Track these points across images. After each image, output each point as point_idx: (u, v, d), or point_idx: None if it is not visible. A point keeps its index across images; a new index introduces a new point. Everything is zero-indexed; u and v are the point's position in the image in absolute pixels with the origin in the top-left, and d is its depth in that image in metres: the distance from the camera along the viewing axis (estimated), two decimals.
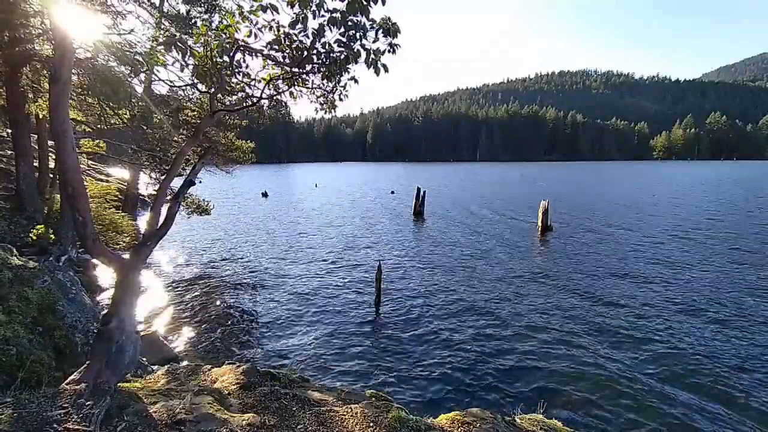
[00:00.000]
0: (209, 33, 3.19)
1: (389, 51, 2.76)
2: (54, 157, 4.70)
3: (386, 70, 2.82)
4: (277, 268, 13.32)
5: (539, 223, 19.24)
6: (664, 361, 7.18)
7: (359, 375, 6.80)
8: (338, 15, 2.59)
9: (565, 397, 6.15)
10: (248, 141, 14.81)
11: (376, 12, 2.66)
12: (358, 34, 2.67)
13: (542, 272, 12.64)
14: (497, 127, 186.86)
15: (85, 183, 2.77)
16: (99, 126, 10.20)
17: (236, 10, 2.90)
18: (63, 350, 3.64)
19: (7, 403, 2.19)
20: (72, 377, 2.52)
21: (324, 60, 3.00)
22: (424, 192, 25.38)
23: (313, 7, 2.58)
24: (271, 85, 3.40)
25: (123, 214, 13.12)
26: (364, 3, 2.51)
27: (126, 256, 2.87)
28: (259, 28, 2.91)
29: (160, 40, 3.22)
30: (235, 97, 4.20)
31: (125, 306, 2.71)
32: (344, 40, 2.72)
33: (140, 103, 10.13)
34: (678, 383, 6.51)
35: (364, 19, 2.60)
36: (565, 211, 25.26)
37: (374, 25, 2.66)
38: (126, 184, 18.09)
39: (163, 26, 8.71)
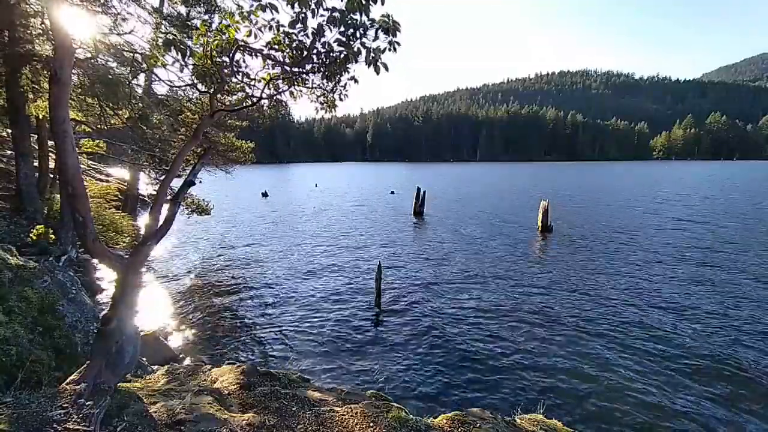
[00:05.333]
0: (209, 33, 3.19)
1: (389, 49, 2.75)
2: (54, 157, 4.70)
3: (386, 69, 2.81)
4: (277, 268, 13.32)
5: (539, 224, 19.24)
6: (664, 360, 7.18)
7: (359, 375, 6.80)
8: (338, 14, 2.58)
9: (565, 397, 6.15)
10: (248, 141, 14.81)
11: (376, 10, 2.66)
12: (357, 33, 2.66)
13: (542, 273, 12.64)
14: (497, 127, 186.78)
15: (85, 183, 2.76)
16: (99, 126, 10.19)
17: (236, 9, 2.90)
18: (63, 350, 3.63)
19: (7, 403, 2.19)
20: (72, 377, 2.52)
21: (324, 59, 3.00)
22: (424, 192, 25.38)
23: (312, 6, 2.57)
24: (271, 85, 3.40)
25: (123, 214, 13.12)
26: (364, 2, 2.50)
27: (126, 256, 2.87)
28: (258, 28, 2.91)
29: (160, 42, 3.22)
30: (235, 97, 4.20)
31: (125, 306, 2.71)
32: (344, 39, 2.71)
33: (140, 104, 10.12)
34: (679, 384, 6.51)
35: (363, 18, 2.60)
36: (564, 211, 25.26)
37: (374, 24, 2.65)
38: (126, 184, 18.09)
39: (163, 26, 8.71)
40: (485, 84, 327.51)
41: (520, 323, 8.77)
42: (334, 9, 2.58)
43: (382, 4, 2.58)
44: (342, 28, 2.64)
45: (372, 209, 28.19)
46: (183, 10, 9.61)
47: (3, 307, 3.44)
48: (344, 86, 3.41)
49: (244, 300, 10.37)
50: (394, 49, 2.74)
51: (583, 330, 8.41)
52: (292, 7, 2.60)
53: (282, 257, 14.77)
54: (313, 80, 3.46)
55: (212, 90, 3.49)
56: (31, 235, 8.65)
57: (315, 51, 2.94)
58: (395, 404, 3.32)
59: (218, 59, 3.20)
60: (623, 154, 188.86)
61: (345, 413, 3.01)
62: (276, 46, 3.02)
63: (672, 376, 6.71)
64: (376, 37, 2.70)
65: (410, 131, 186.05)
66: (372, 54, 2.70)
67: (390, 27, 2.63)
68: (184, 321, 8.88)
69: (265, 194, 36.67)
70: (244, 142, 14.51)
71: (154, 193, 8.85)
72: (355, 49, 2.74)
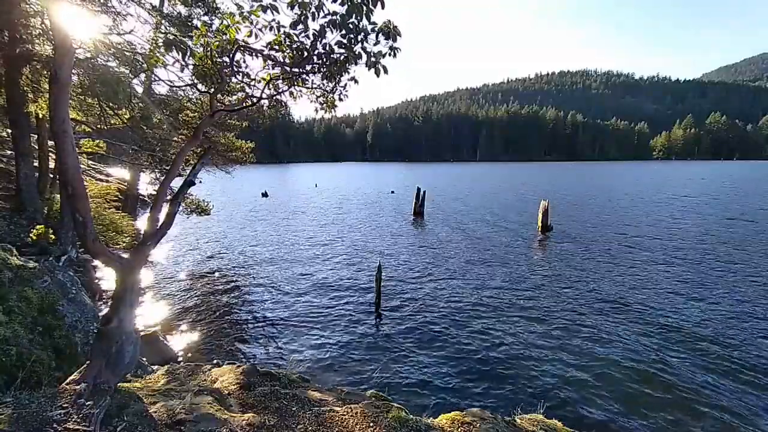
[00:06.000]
0: (209, 33, 3.19)
1: (390, 54, 2.76)
2: (54, 157, 4.70)
3: (386, 72, 2.82)
4: (277, 268, 13.32)
5: (539, 223, 19.25)
6: (665, 360, 7.18)
7: (359, 375, 6.80)
8: (338, 18, 2.59)
9: (565, 397, 6.16)
10: (248, 141, 14.80)
11: (377, 14, 2.66)
12: (359, 37, 2.67)
13: (542, 273, 12.64)
14: (497, 127, 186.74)
15: (85, 183, 2.76)
16: (99, 126, 10.17)
17: (236, 10, 2.90)
18: (63, 350, 3.63)
19: (7, 403, 2.19)
20: (72, 377, 2.52)
21: (324, 61, 3.00)
22: (424, 192, 25.37)
23: (313, 9, 2.58)
24: (271, 85, 3.40)
25: (123, 214, 13.09)
26: (364, 8, 2.50)
27: (126, 256, 2.87)
28: (259, 29, 2.91)
29: (160, 42, 3.22)
30: (235, 97, 4.21)
31: (125, 306, 2.71)
32: (345, 41, 2.72)
33: (140, 104, 10.12)
34: (679, 383, 6.51)
35: (365, 22, 2.60)
36: (564, 211, 25.26)
37: (375, 28, 2.65)
38: (126, 184, 18.07)
39: (163, 26, 8.70)
40: (485, 84, 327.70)
41: (519, 323, 8.77)
42: (335, 13, 2.58)
43: (383, 7, 2.58)
44: (343, 31, 2.64)
45: (372, 209, 28.19)
46: (183, 10, 9.59)
47: (3, 307, 3.44)
48: (344, 87, 3.41)
49: (243, 300, 10.38)
50: (395, 55, 2.74)
51: (583, 329, 8.41)
52: (292, 9, 2.61)
53: (281, 257, 14.77)
54: (313, 80, 3.46)
55: (212, 90, 3.49)
56: (31, 235, 8.63)
57: (315, 52, 2.94)
58: (395, 404, 3.32)
59: (218, 59, 3.20)
60: (623, 154, 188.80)
61: (345, 413, 3.01)
62: (276, 47, 3.02)
63: (672, 375, 6.71)
64: (377, 42, 2.70)
65: (410, 131, 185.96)
66: (372, 57, 2.70)
67: (391, 32, 2.63)
68: (184, 321, 8.88)
69: (265, 194, 36.67)
70: (244, 142, 14.50)
71: (154, 193, 8.86)
72: (356, 52, 2.74)
